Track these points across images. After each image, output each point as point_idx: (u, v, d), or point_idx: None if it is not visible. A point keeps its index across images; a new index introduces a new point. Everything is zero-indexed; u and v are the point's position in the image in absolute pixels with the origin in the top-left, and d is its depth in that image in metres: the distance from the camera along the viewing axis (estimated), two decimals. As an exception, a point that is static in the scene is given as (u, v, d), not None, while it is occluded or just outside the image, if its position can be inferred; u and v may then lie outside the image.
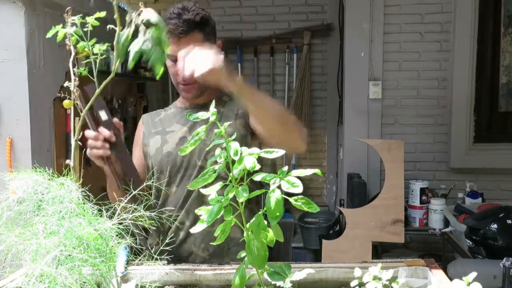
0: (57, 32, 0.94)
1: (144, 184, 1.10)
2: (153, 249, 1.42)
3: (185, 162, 1.44)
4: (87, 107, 1.07)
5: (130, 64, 0.91)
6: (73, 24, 0.91)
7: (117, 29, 0.89)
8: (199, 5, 1.42)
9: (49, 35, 0.81)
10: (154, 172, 1.47)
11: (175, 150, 1.45)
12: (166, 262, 1.11)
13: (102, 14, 0.91)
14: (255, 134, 1.44)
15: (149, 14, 0.86)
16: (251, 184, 0.82)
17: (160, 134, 1.50)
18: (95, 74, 1.03)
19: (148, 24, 0.85)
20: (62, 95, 1.18)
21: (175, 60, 1.39)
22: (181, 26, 1.35)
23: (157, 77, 0.91)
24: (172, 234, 1.43)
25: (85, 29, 0.96)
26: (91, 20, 0.92)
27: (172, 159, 1.45)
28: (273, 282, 0.85)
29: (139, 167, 1.50)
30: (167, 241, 1.19)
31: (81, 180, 1.00)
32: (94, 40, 1.03)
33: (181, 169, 1.45)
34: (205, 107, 1.47)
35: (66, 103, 1.17)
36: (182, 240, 1.44)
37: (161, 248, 1.43)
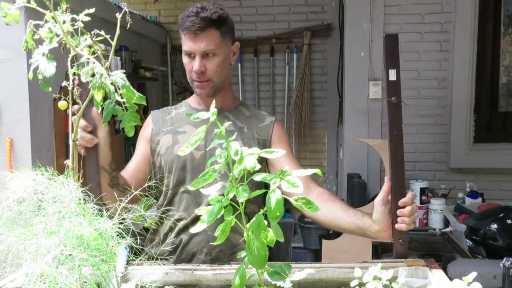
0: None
1: (146, 184, 1.10)
2: (154, 250, 1.42)
3: (195, 165, 1.43)
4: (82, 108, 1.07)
5: (104, 123, 0.93)
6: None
7: (117, 30, 0.89)
8: (218, 5, 1.44)
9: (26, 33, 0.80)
10: (163, 171, 1.46)
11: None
12: (166, 262, 1.10)
13: (91, 10, 0.91)
14: (267, 168, 1.47)
15: (118, 75, 0.86)
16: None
17: (171, 133, 1.48)
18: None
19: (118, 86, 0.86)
20: (58, 96, 1.17)
21: (191, 56, 1.41)
22: (197, 23, 1.37)
23: (129, 135, 0.94)
24: (173, 235, 1.43)
25: (75, 27, 0.96)
26: (82, 17, 0.91)
27: (182, 161, 1.43)
28: (273, 282, 0.85)
29: (139, 162, 1.50)
30: (168, 240, 1.19)
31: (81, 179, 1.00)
32: (86, 36, 1.01)
33: (191, 171, 1.43)
34: (220, 112, 1.48)
35: (61, 104, 1.16)
36: (185, 243, 1.43)
37: (163, 248, 1.43)
